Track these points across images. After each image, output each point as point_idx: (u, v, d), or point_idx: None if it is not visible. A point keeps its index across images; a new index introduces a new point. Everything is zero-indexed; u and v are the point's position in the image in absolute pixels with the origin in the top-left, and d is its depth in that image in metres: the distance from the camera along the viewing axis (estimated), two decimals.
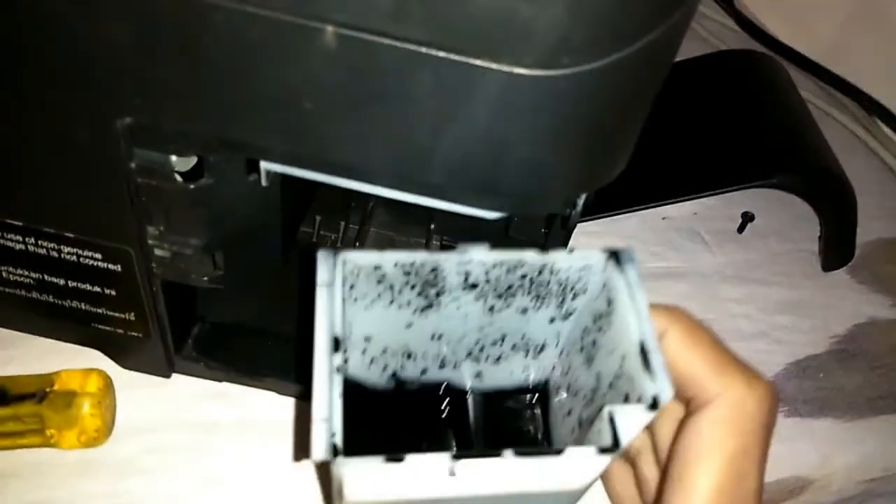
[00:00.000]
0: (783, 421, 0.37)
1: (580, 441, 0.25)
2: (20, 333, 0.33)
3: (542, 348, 0.28)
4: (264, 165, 0.24)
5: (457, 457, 0.19)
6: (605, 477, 0.31)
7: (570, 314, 0.26)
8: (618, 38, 0.18)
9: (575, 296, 0.26)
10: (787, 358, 0.40)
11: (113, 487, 0.29)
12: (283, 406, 0.33)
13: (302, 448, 0.32)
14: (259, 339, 0.33)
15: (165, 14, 0.19)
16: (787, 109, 0.47)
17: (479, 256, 0.23)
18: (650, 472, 0.28)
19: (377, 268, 0.24)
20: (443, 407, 0.28)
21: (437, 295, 0.25)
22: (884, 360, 0.40)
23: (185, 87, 0.21)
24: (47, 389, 0.29)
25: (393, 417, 0.28)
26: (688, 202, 0.45)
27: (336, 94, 0.20)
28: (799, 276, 0.44)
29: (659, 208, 0.45)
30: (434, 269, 0.24)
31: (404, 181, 0.23)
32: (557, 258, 0.24)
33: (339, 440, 0.19)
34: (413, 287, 0.25)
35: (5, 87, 0.22)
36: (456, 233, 0.36)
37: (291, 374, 0.32)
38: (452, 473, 0.20)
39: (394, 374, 0.28)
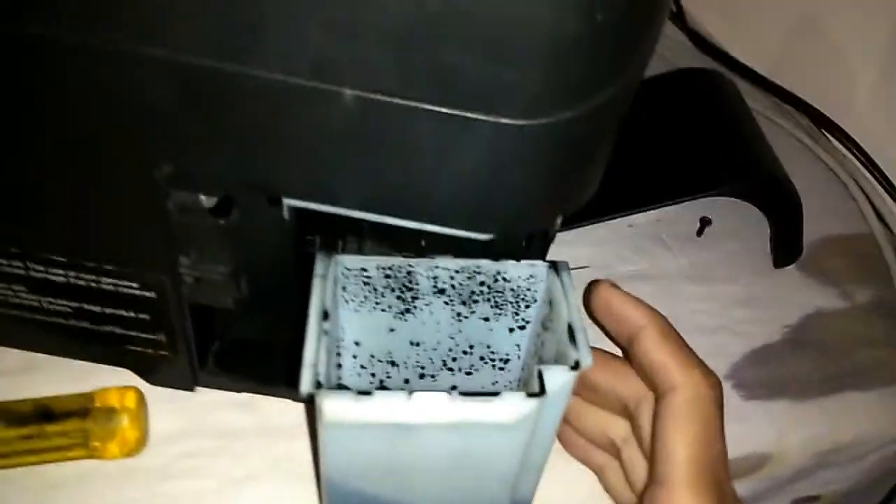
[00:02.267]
0: (743, 404, 0.41)
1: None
2: (56, 357, 0.36)
3: (507, 361, 0.33)
4: (286, 201, 0.27)
5: (413, 392, 0.24)
6: (599, 474, 0.35)
7: (526, 324, 0.31)
8: (584, 92, 0.22)
9: (527, 306, 0.31)
10: (744, 348, 0.44)
11: (153, 490, 0.33)
12: (298, 412, 0.36)
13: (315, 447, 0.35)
14: (273, 352, 0.37)
15: (203, 83, 0.23)
16: (738, 123, 0.51)
17: (444, 262, 0.29)
18: (635, 456, 0.32)
19: (363, 269, 0.29)
20: None
21: (413, 299, 0.30)
22: (830, 346, 0.45)
23: (218, 141, 0.25)
24: (89, 406, 0.32)
25: None
26: (651, 211, 0.50)
27: (350, 143, 0.24)
28: (753, 274, 0.49)
29: (625, 217, 0.49)
30: (409, 273, 0.29)
31: (408, 212, 0.26)
32: (508, 266, 0.29)
33: (322, 378, 0.24)
34: (393, 290, 0.30)
35: (59, 142, 0.26)
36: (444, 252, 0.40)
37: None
38: (409, 398, 0.24)
39: (381, 384, 0.33)
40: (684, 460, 0.29)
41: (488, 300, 0.31)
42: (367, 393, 0.24)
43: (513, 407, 0.25)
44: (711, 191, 0.46)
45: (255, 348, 0.37)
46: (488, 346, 0.32)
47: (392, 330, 0.32)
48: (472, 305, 0.31)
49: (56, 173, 0.27)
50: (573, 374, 0.25)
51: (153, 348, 0.34)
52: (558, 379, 0.25)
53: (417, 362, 0.33)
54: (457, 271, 0.29)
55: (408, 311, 0.31)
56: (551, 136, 0.23)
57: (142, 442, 0.33)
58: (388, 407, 0.24)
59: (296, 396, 0.36)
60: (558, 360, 0.27)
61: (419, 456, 0.26)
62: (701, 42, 0.66)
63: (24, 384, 0.34)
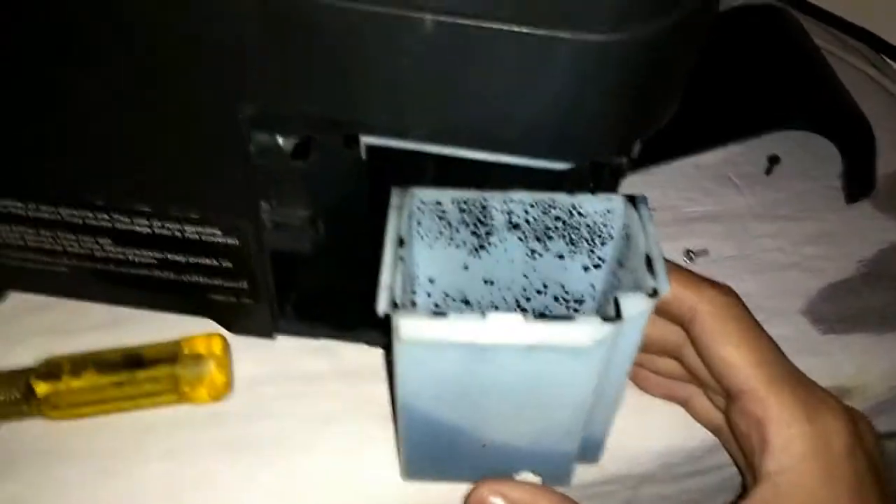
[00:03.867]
0: (821, 338, 0.40)
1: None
2: (141, 311, 0.37)
3: (581, 301, 0.32)
4: (364, 140, 0.28)
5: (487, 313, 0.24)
6: (686, 406, 0.35)
7: (601, 262, 0.31)
8: (667, 5, 0.22)
9: (603, 243, 0.30)
10: (819, 283, 0.43)
11: (242, 432, 0.34)
12: (374, 356, 0.37)
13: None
14: (349, 299, 0.37)
15: (287, 16, 0.23)
16: (804, 57, 0.50)
17: (519, 196, 0.29)
18: None
19: (438, 203, 0.29)
20: None
21: (487, 235, 0.30)
22: None
23: (301, 78, 0.25)
24: (177, 353, 0.33)
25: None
26: (718, 151, 0.49)
27: (429, 71, 0.24)
28: (825, 210, 0.48)
29: (690, 159, 0.48)
30: (483, 206, 0.29)
31: (486, 142, 0.26)
32: (583, 199, 0.29)
33: (398, 299, 0.25)
34: (467, 225, 0.30)
35: (145, 87, 0.26)
36: None
37: (379, 328, 0.37)
38: (483, 317, 0.24)
39: None
40: (746, 365, 0.29)
41: (563, 236, 0.31)
42: (442, 313, 0.24)
43: (588, 330, 0.25)
44: (785, 124, 0.45)
45: (332, 295, 0.37)
46: (562, 286, 0.32)
47: (466, 267, 0.32)
48: (547, 242, 0.31)
49: (141, 120, 0.28)
50: (651, 301, 0.25)
51: (236, 296, 0.35)
52: (636, 305, 0.25)
53: (491, 301, 0.33)
54: (531, 205, 0.29)
55: (482, 247, 0.31)
56: (634, 52, 0.23)
57: (228, 387, 0.34)
58: (462, 327, 0.25)
59: (372, 341, 0.37)
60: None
61: (492, 379, 0.27)
62: None
63: (112, 338, 0.35)
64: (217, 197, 0.30)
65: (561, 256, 0.31)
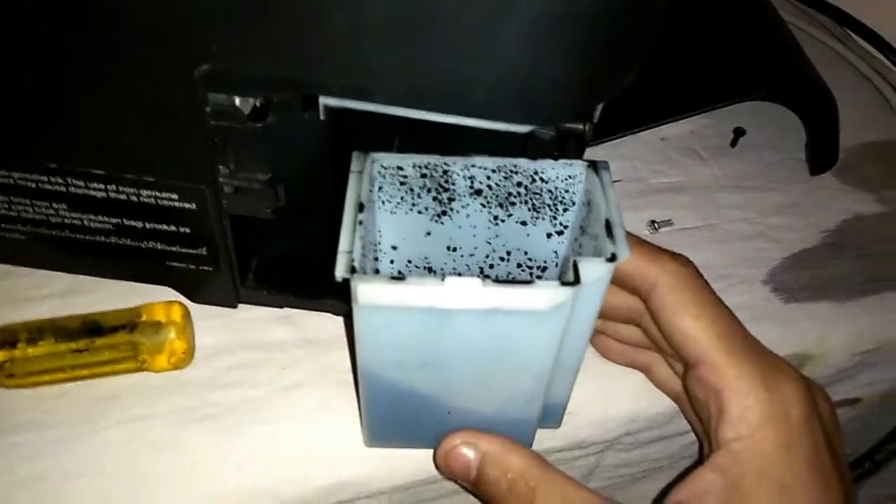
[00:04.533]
0: (784, 307, 0.41)
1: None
2: (99, 279, 0.36)
3: (544, 269, 0.32)
4: (323, 101, 0.27)
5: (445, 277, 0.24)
6: (647, 372, 0.36)
7: (564, 229, 0.31)
8: None
9: (566, 209, 0.30)
10: (784, 253, 0.44)
11: (203, 400, 0.33)
12: (337, 324, 0.37)
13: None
14: (310, 267, 0.37)
15: None
16: (769, 29, 0.50)
17: (481, 161, 0.29)
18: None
19: (399, 168, 0.29)
20: None
21: (450, 201, 0.30)
22: (870, 248, 0.44)
23: (258, 35, 0.24)
24: (136, 320, 0.33)
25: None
26: (683, 122, 0.49)
27: (390, 31, 0.24)
28: (789, 182, 0.48)
29: (657, 129, 0.49)
30: (445, 171, 0.29)
31: (453, 105, 0.26)
32: (546, 164, 0.29)
33: (356, 264, 0.24)
34: (429, 191, 0.30)
35: (95, 45, 0.26)
36: None
37: (341, 296, 0.36)
38: (443, 280, 0.24)
39: None
40: (704, 336, 0.29)
41: (525, 202, 0.30)
42: (401, 277, 0.24)
43: (547, 294, 0.25)
44: (749, 95, 0.45)
45: (294, 263, 0.37)
46: (525, 253, 0.32)
47: (428, 234, 0.31)
48: (510, 208, 0.31)
49: (95, 80, 0.27)
50: (609, 266, 0.25)
51: (195, 263, 0.34)
52: (595, 270, 0.25)
53: (454, 268, 0.33)
54: (493, 170, 0.29)
55: (444, 213, 0.31)
56: (594, 11, 0.23)
57: (189, 354, 0.34)
58: (421, 291, 0.24)
59: (334, 309, 0.37)
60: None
61: (453, 346, 0.27)
62: None
63: (70, 307, 0.35)
64: (173, 160, 0.30)
65: (524, 223, 0.31)
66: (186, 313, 0.34)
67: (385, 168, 0.29)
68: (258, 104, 0.28)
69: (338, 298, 0.36)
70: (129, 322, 0.33)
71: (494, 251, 0.32)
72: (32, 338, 0.32)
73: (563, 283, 0.24)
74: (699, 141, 0.50)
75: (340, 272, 0.24)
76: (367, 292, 0.24)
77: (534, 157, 0.29)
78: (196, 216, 0.32)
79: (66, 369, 0.32)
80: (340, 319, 0.37)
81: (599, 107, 0.29)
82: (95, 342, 0.32)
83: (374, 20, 0.23)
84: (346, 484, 0.32)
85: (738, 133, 0.50)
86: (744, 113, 0.50)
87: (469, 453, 0.29)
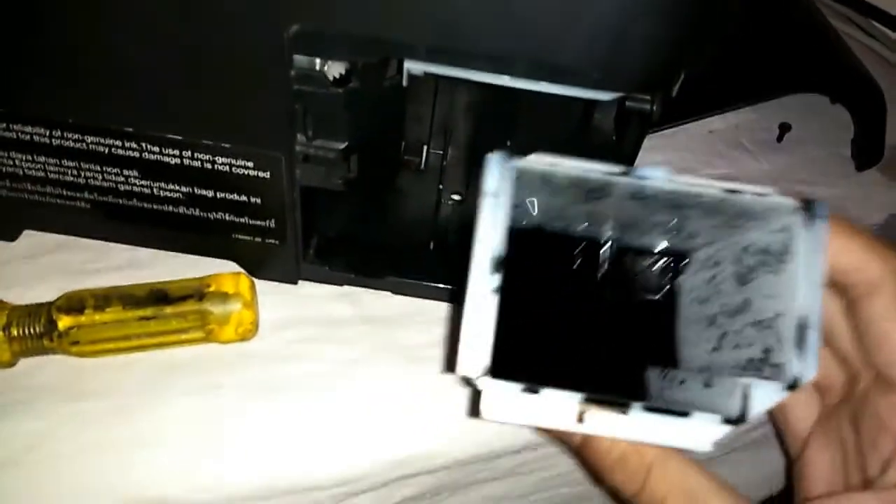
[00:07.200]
0: None
1: (712, 364, 0.24)
2: (157, 254, 0.36)
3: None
4: (407, 65, 0.27)
5: (588, 400, 0.20)
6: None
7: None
8: None
9: (748, 220, 0.25)
10: None
11: (269, 373, 0.33)
12: (398, 302, 0.37)
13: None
14: (370, 246, 0.37)
15: None
16: (815, 24, 0.50)
17: (656, 183, 0.22)
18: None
19: (547, 180, 0.23)
20: (576, 253, 0.28)
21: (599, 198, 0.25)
22: None
23: None
24: (204, 290, 0.33)
25: (530, 255, 0.28)
26: (729, 115, 0.49)
27: None
28: (836, 177, 0.48)
29: (704, 122, 0.49)
30: (604, 187, 0.24)
31: (537, 68, 0.26)
32: (743, 200, 0.22)
33: (486, 362, 0.19)
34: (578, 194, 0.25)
35: (186, 7, 0.26)
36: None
37: (403, 275, 0.36)
38: (580, 421, 0.20)
39: None
40: None
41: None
42: (534, 390, 0.19)
43: (703, 431, 0.21)
44: (799, 87, 0.45)
45: (354, 240, 0.37)
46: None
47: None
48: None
49: (180, 41, 0.27)
50: (785, 394, 0.20)
51: (261, 236, 0.34)
52: (767, 399, 0.20)
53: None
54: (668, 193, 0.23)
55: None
56: None
57: (255, 326, 0.33)
58: (554, 411, 0.21)
59: (395, 288, 0.37)
60: (768, 336, 0.22)
61: None
62: None
63: (131, 279, 0.34)
64: (252, 126, 0.30)
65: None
66: (252, 285, 0.34)
67: (529, 180, 0.23)
68: (339, 75, 0.28)
69: (398, 277, 0.36)
70: (196, 291, 0.33)
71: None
72: (100, 304, 0.32)
73: (726, 421, 0.20)
74: (745, 134, 0.50)
75: (467, 371, 0.19)
76: (493, 406, 0.20)
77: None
78: (268, 186, 0.32)
79: (132, 338, 0.32)
80: (399, 298, 0.37)
81: (678, 84, 0.29)
82: (164, 310, 0.32)
83: None
84: (411, 458, 0.32)
85: (784, 128, 0.50)
86: (789, 109, 0.50)
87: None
